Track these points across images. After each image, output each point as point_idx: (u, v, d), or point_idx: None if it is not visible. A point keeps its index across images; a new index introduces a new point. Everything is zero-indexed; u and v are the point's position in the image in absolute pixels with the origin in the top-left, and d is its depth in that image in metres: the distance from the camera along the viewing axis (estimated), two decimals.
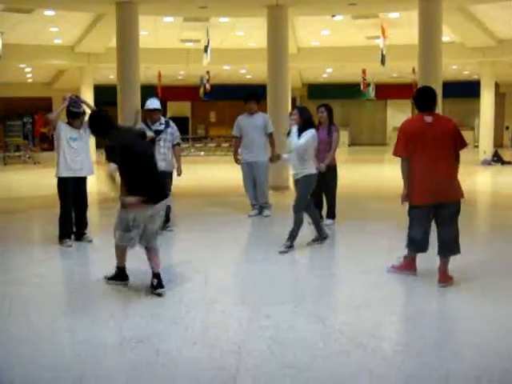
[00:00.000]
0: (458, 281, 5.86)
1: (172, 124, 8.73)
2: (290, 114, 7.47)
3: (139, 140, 5.87)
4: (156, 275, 5.63)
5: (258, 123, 9.69)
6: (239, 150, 9.98)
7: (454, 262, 5.90)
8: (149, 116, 8.44)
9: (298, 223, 7.42)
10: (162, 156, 8.29)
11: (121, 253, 5.92)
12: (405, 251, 6.18)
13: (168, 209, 8.34)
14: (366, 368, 3.89)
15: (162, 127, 8.48)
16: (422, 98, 5.94)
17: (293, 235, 7.42)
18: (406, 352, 4.19)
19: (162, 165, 7.83)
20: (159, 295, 5.50)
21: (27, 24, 15.98)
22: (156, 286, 5.57)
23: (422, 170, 5.79)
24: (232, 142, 25.30)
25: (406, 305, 5.55)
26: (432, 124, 5.81)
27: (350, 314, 5.05)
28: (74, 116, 7.63)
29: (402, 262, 6.21)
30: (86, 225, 7.96)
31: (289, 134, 7.42)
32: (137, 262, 6.10)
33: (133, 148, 5.51)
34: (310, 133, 7.15)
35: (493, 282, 5.91)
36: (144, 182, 5.50)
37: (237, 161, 10.02)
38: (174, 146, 8.63)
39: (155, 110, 8.39)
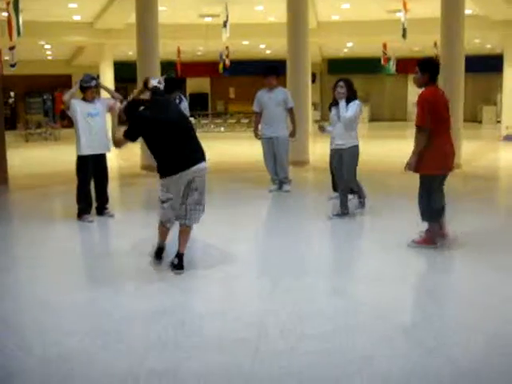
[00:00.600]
0: (478, 255, 5.85)
1: (184, 99, 8.80)
2: (335, 86, 7.65)
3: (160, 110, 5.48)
4: (179, 255, 5.54)
5: (278, 98, 9.66)
6: (259, 126, 9.97)
7: (476, 236, 5.89)
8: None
9: (359, 187, 7.91)
10: None
11: (160, 230, 5.77)
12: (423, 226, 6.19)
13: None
14: (387, 339, 3.92)
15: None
16: (437, 69, 6.10)
17: (362, 201, 7.98)
18: (425, 327, 4.21)
19: None
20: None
21: (46, 1, 15.99)
22: (176, 266, 5.49)
23: (446, 140, 5.97)
24: (252, 117, 25.36)
25: (427, 279, 5.55)
26: (444, 95, 6.11)
27: (371, 288, 5.07)
28: (85, 89, 7.66)
29: (423, 236, 6.21)
30: (107, 200, 8.03)
31: (331, 106, 7.80)
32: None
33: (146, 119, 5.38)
34: (356, 104, 7.53)
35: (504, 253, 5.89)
36: (166, 150, 5.40)
37: (257, 136, 10.01)
38: None
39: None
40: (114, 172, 12.06)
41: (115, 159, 13.82)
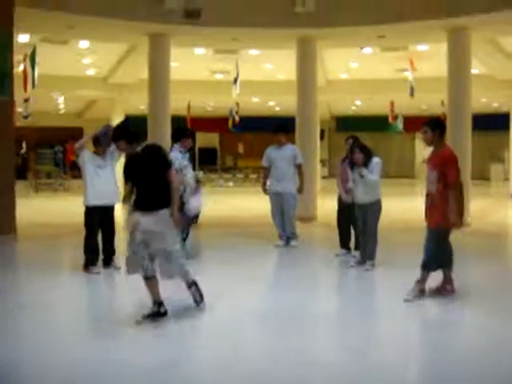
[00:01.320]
0: (483, 310, 5.78)
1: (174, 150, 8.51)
2: (352, 152, 7.97)
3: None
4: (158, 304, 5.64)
5: (287, 154, 9.74)
6: (268, 181, 10.01)
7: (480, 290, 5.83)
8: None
9: (376, 242, 7.98)
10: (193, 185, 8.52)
11: (148, 285, 5.70)
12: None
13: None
14: None
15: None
16: (445, 127, 6.45)
17: (373, 254, 7.99)
18: None
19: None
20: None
21: (61, 55, 16.37)
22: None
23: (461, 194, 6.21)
24: (260, 173, 25.52)
25: (443, 338, 5.48)
26: None
27: (382, 349, 5.00)
28: (99, 144, 7.74)
29: (417, 288, 6.31)
30: (113, 252, 8.02)
31: (352, 165, 8.05)
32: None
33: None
34: (377, 163, 7.90)
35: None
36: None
37: (265, 191, 10.05)
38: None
39: None
40: (121, 224, 12.07)
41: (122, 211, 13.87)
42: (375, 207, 7.87)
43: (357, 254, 8.31)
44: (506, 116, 22.40)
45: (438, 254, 6.24)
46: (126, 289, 7.30)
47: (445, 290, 6.41)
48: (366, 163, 7.80)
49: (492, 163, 30.03)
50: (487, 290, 6.90)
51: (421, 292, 6.28)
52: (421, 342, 5.23)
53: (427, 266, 6.25)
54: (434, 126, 6.23)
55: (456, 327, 5.59)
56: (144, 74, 14.77)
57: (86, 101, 25.14)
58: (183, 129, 9.03)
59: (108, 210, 7.86)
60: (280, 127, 9.86)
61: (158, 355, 4.72)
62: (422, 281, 6.29)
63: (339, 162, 8.94)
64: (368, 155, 7.86)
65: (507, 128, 22.00)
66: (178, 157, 8.11)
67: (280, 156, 9.73)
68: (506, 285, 7.19)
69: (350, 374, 4.34)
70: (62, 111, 27.59)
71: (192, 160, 8.63)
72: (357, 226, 8.23)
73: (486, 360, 4.65)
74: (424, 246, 6.28)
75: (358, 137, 8.64)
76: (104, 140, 7.64)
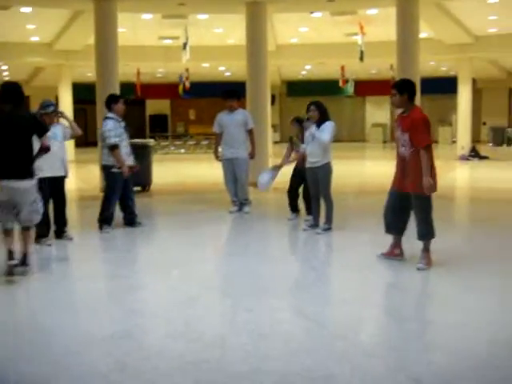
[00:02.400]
0: (440, 271, 5.94)
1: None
2: (308, 110, 7.94)
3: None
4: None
5: (238, 119, 9.71)
6: (219, 147, 9.99)
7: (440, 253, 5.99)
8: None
9: (331, 206, 8.02)
10: (130, 152, 8.47)
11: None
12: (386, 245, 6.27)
13: (132, 202, 8.62)
14: (348, 358, 3.94)
15: (123, 124, 8.50)
16: (414, 89, 6.16)
17: (330, 220, 8.02)
18: (387, 344, 4.25)
19: (130, 159, 8.41)
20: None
21: (3, 21, 15.82)
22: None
23: (432, 158, 6.04)
24: (212, 140, 25.38)
25: (389, 298, 5.61)
26: None
27: (332, 308, 5.10)
28: (43, 115, 7.54)
29: (426, 258, 6.14)
30: (65, 223, 7.92)
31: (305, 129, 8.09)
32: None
33: None
34: (330, 125, 7.82)
35: (473, 272, 5.98)
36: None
37: (217, 158, 10.03)
38: None
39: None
40: (73, 195, 11.93)
41: (74, 182, 13.68)
42: (326, 170, 7.89)
43: (309, 217, 8.38)
44: (453, 79, 22.75)
45: (429, 221, 6.08)
46: (79, 259, 7.25)
47: (393, 254, 6.40)
48: (319, 123, 7.80)
49: (440, 126, 30.57)
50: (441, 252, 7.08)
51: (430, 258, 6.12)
52: (372, 303, 5.34)
53: (427, 237, 6.13)
54: (402, 88, 6.08)
55: (405, 290, 5.74)
56: (91, 40, 14.42)
57: (31, 68, 24.43)
58: (112, 95, 8.99)
59: (58, 182, 7.73)
60: (230, 93, 9.79)
61: (112, 325, 4.71)
62: (426, 250, 6.14)
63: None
64: (323, 115, 7.85)
65: (455, 91, 22.36)
66: (111, 127, 8.15)
67: (231, 121, 9.69)
68: (458, 244, 7.39)
69: (305, 338, 4.42)
70: (6, 78, 26.75)
71: (126, 129, 8.47)
72: (309, 190, 8.25)
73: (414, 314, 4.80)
74: (414, 214, 6.17)
75: (320, 102, 8.49)
76: (49, 111, 7.53)
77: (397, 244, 6.42)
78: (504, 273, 6.03)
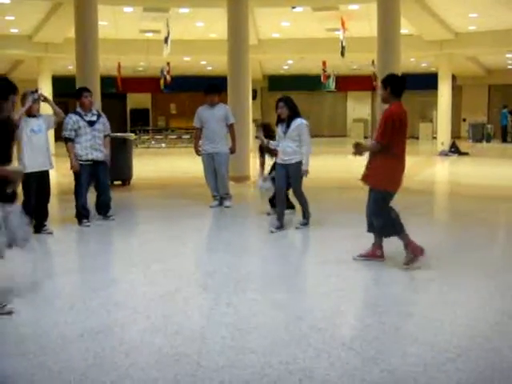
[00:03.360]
0: (420, 265, 5.99)
1: (103, 115, 8.81)
2: (276, 106, 7.73)
3: None
4: None
5: (219, 114, 9.69)
6: (200, 142, 9.98)
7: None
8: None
9: (305, 202, 7.97)
10: (97, 146, 8.49)
11: None
12: (368, 239, 6.31)
13: (107, 197, 8.71)
14: (326, 351, 3.96)
15: (94, 118, 8.56)
16: (400, 84, 6.04)
17: (306, 215, 8.00)
18: (364, 337, 4.28)
19: (98, 155, 8.49)
20: None
21: None
22: None
23: (403, 157, 6.02)
24: (193, 134, 25.33)
25: (366, 291, 5.65)
26: (406, 115, 6.03)
27: (310, 301, 5.13)
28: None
29: (369, 249, 6.26)
30: (46, 216, 7.88)
31: (277, 123, 7.86)
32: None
33: None
34: (304, 125, 7.66)
35: (453, 267, 6.04)
36: None
37: (197, 152, 10.01)
38: (104, 136, 8.71)
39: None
40: (53, 188, 11.83)
41: (55, 175, 13.57)
42: (297, 167, 7.72)
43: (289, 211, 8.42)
44: (434, 76, 22.91)
45: (388, 220, 6.06)
46: (59, 254, 7.22)
47: (374, 256, 6.29)
48: (289, 120, 7.62)
49: (421, 122, 30.78)
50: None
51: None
52: (350, 297, 5.38)
53: (383, 232, 6.16)
54: (385, 82, 6.02)
55: (383, 284, 5.78)
56: (71, 32, 14.32)
57: (11, 61, 24.19)
58: (78, 88, 9.11)
59: (44, 175, 7.72)
60: (212, 87, 9.77)
61: (89, 320, 4.70)
62: (374, 244, 6.25)
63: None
64: (293, 111, 7.65)
65: (435, 88, 22.53)
66: (67, 121, 8.30)
67: (212, 116, 9.67)
68: (436, 240, 7.45)
69: (283, 331, 4.44)
70: None
71: (91, 123, 8.49)
72: (277, 189, 8.03)
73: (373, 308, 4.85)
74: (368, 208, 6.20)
75: (289, 97, 8.44)
76: (35, 98, 7.51)
77: (377, 244, 6.29)
78: (483, 268, 6.09)
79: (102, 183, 8.70)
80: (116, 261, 6.89)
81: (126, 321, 4.65)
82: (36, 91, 7.61)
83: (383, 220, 6.05)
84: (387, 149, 5.87)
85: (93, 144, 8.41)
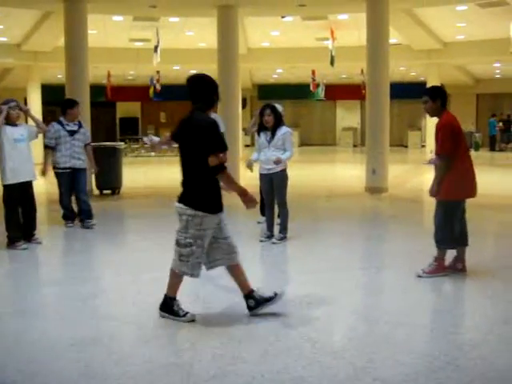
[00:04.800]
0: (407, 274, 6.00)
1: (84, 125, 9.21)
2: (262, 114, 7.62)
3: None
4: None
5: None
6: None
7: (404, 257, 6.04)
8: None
9: (287, 214, 7.79)
10: (75, 155, 8.83)
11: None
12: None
13: (86, 204, 8.93)
14: (317, 360, 3.96)
15: (76, 127, 8.89)
16: (446, 95, 6.02)
17: (285, 226, 7.81)
18: (355, 346, 4.29)
19: (76, 163, 8.82)
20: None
21: None
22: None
23: (470, 165, 5.94)
24: None
25: (357, 300, 5.65)
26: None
27: (301, 311, 5.12)
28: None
29: (432, 264, 6.03)
30: (34, 227, 7.80)
31: (259, 131, 7.73)
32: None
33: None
34: (289, 133, 7.62)
35: (441, 275, 6.06)
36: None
37: None
38: (85, 145, 9.05)
39: None
40: (43, 197, 11.79)
41: (44, 184, 13.52)
42: (282, 177, 7.65)
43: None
44: (422, 85, 23.01)
45: (449, 229, 5.91)
46: (47, 264, 7.18)
47: (453, 268, 6.09)
48: (275, 128, 7.52)
49: (410, 131, 30.92)
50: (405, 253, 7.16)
51: (439, 269, 5.96)
52: (341, 306, 5.39)
53: (438, 242, 6.00)
54: (434, 94, 5.96)
55: (376, 292, 5.79)
56: (61, 41, 14.30)
57: (0, 69, 24.10)
58: (67, 100, 9.56)
59: (27, 186, 7.62)
60: None
61: (80, 331, 4.67)
62: (438, 258, 6.01)
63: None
64: (279, 120, 7.57)
65: None
66: (49, 129, 8.65)
67: None
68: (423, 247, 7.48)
69: (274, 340, 4.44)
70: None
71: (72, 132, 8.83)
72: (265, 194, 7.94)
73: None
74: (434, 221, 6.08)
75: (275, 106, 8.35)
76: (12, 105, 7.51)
77: (458, 257, 6.13)
78: (471, 277, 6.11)
79: (80, 190, 8.96)
80: (105, 270, 6.85)
81: (116, 330, 4.63)
82: (13, 100, 7.60)
83: (445, 232, 5.95)
84: (452, 159, 5.78)
85: (71, 153, 8.78)
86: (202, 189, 4.86)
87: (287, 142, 7.58)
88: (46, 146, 8.87)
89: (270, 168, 7.66)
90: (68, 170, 8.79)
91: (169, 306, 4.83)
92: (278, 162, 7.48)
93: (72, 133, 8.79)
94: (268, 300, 4.89)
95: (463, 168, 5.88)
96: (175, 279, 4.91)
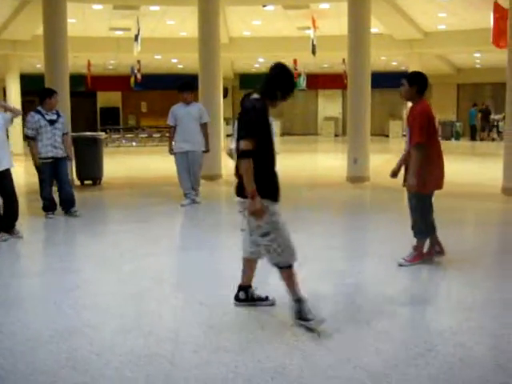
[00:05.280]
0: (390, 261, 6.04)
1: (62, 114, 9.13)
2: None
3: None
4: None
5: (194, 113, 9.68)
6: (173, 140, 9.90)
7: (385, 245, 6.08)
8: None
9: None
10: (58, 144, 8.82)
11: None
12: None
13: (69, 192, 8.98)
14: (299, 349, 3.98)
15: (54, 117, 8.85)
16: (426, 82, 5.93)
17: None
18: (337, 334, 4.31)
19: (58, 152, 8.82)
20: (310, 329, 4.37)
21: None
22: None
23: (440, 155, 5.91)
24: (164, 132, 25.15)
25: (339, 289, 5.68)
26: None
27: (284, 299, 5.13)
28: None
29: (413, 253, 6.08)
30: (15, 217, 7.61)
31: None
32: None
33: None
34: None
35: (422, 264, 6.10)
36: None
37: (171, 151, 9.91)
38: (63, 134, 9.01)
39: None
40: (23, 187, 11.69)
41: (23, 175, 13.41)
42: None
43: None
44: (403, 74, 23.09)
45: (427, 220, 5.97)
46: (28, 258, 7.13)
47: (430, 254, 6.17)
48: None
49: (390, 120, 31.04)
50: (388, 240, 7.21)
51: (419, 256, 6.04)
52: (323, 295, 5.41)
53: (417, 233, 6.07)
54: (412, 80, 5.87)
55: (359, 281, 5.82)
56: (40, 30, 14.13)
57: None
58: (46, 89, 9.48)
59: (3, 177, 7.48)
60: (187, 85, 9.79)
61: (61, 321, 4.65)
62: (418, 246, 6.08)
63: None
64: None
65: None
66: (29, 119, 8.68)
67: (187, 114, 9.65)
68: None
69: (256, 329, 4.45)
70: None
71: (52, 121, 8.79)
72: None
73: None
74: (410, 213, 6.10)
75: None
76: None
77: (433, 242, 6.16)
78: (451, 265, 6.17)
79: (62, 179, 8.98)
80: (87, 261, 6.81)
81: (97, 321, 4.61)
82: None
83: (425, 223, 6.02)
84: (424, 149, 5.72)
85: (53, 142, 8.75)
86: (261, 176, 4.35)
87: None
88: (27, 137, 8.83)
89: None
90: (50, 160, 8.75)
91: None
92: None
93: (52, 122, 8.75)
94: (259, 299, 4.88)
95: (436, 159, 5.86)
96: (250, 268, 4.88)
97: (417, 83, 5.88)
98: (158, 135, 26.36)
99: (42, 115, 8.71)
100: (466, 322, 4.53)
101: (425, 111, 5.79)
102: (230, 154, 7.96)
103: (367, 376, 3.61)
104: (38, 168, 8.79)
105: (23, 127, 8.72)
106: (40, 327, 4.50)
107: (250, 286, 4.90)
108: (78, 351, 4.01)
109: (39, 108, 8.78)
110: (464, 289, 5.42)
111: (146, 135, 27.73)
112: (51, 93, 8.89)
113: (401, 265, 6.00)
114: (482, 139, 28.19)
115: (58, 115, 8.89)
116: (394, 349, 4.00)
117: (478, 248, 7.04)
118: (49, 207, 8.95)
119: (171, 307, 5.01)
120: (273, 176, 4.54)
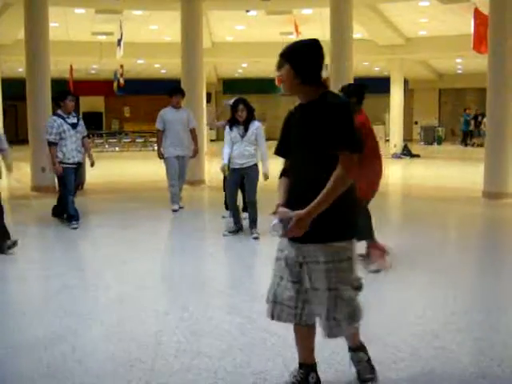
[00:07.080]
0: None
1: (81, 117, 8.89)
2: (235, 109, 7.57)
3: None
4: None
5: (183, 117, 9.66)
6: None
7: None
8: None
9: (257, 212, 7.74)
10: (80, 148, 8.54)
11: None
12: None
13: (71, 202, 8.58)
14: (280, 355, 3.98)
15: (75, 120, 8.56)
16: (363, 93, 6.00)
17: (255, 220, 7.75)
18: (319, 338, 4.31)
19: (80, 157, 8.49)
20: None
21: None
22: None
23: (376, 164, 5.93)
24: (147, 137, 25.07)
25: None
26: None
27: (265, 305, 5.13)
28: None
29: (373, 255, 6.10)
30: (5, 234, 7.08)
31: (232, 126, 7.66)
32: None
33: None
34: (260, 128, 7.66)
35: (406, 268, 6.13)
36: None
37: (160, 155, 9.77)
38: (83, 137, 8.74)
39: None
40: (4, 194, 11.58)
41: (5, 180, 13.29)
42: (255, 171, 7.66)
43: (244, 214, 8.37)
44: (386, 80, 23.25)
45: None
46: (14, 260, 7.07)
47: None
48: (247, 122, 7.56)
49: (373, 125, 31.15)
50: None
51: (379, 253, 6.08)
52: None
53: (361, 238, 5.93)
54: (350, 92, 5.92)
55: None
56: (21, 34, 14.02)
57: None
58: (62, 91, 8.93)
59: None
60: (178, 89, 9.83)
61: (42, 328, 4.61)
62: (369, 246, 6.12)
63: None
64: (251, 114, 7.62)
65: (388, 91, 22.88)
66: (51, 124, 8.28)
67: (177, 119, 9.61)
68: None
69: (238, 334, 4.44)
70: None
71: (74, 125, 8.47)
72: (230, 194, 7.94)
73: None
74: None
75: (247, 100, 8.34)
76: None
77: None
78: (434, 269, 6.21)
79: (76, 185, 8.73)
80: (69, 266, 6.75)
81: (79, 327, 4.58)
82: None
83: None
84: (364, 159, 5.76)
85: (77, 146, 8.45)
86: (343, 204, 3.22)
87: (259, 136, 7.64)
88: (50, 143, 8.28)
89: (242, 163, 7.65)
90: (74, 166, 8.43)
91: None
92: (266, 178, 7.58)
93: (74, 125, 8.40)
94: None
95: (371, 168, 5.73)
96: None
97: (355, 95, 5.92)
98: (141, 140, 26.25)
99: (64, 119, 8.35)
100: (447, 325, 4.56)
101: (362, 122, 5.67)
102: (224, 170, 7.88)
103: (348, 380, 3.61)
104: (60, 176, 8.38)
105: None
106: (22, 334, 4.46)
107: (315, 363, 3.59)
108: (59, 358, 3.97)
109: (59, 112, 8.40)
110: (446, 292, 5.44)
111: (129, 140, 27.60)
112: (65, 95, 8.48)
113: (371, 271, 5.94)
114: (473, 144, 27.99)
115: (78, 118, 8.60)
116: (375, 352, 4.00)
117: (455, 253, 7.09)
118: (75, 216, 8.48)
119: (153, 312, 4.99)
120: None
